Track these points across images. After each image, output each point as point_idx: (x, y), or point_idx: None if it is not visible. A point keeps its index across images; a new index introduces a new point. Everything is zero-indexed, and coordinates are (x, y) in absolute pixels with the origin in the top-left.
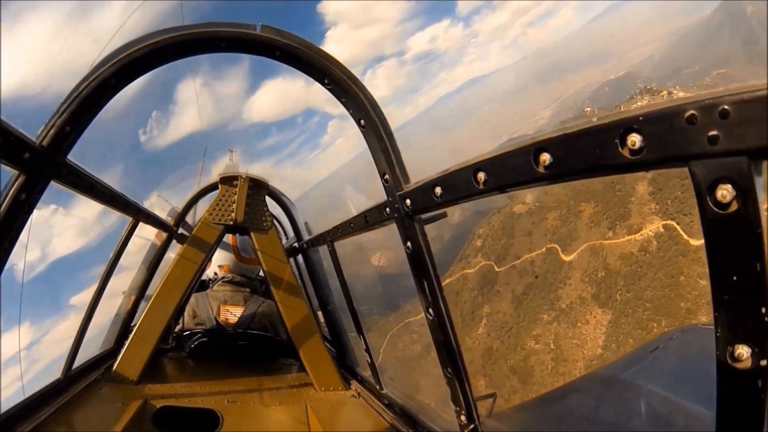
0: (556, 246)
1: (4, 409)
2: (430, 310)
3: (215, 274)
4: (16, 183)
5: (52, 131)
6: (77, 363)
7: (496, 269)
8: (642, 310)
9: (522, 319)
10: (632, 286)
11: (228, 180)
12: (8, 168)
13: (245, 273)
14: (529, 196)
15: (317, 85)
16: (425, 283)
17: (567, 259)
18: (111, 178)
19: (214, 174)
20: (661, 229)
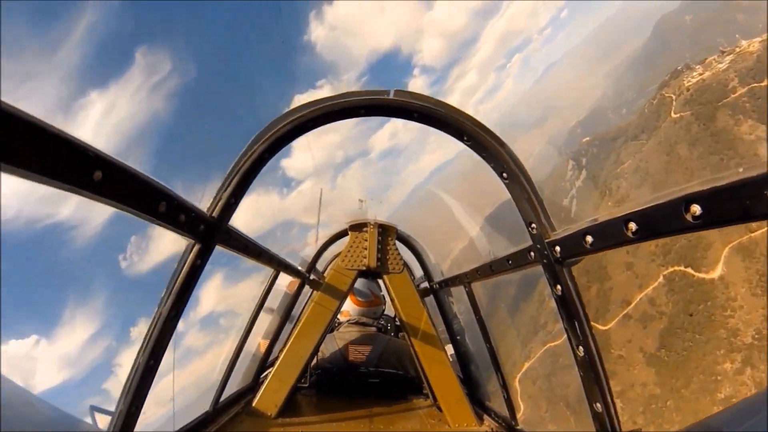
0: (681, 268)
1: None
2: (581, 348)
3: (338, 318)
4: (194, 251)
5: (219, 203)
6: (222, 397)
7: (602, 328)
8: None
9: (684, 383)
10: None
11: (357, 227)
12: (183, 236)
13: (366, 315)
14: None
15: (292, 196)
16: (576, 323)
17: (710, 276)
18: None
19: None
20: None
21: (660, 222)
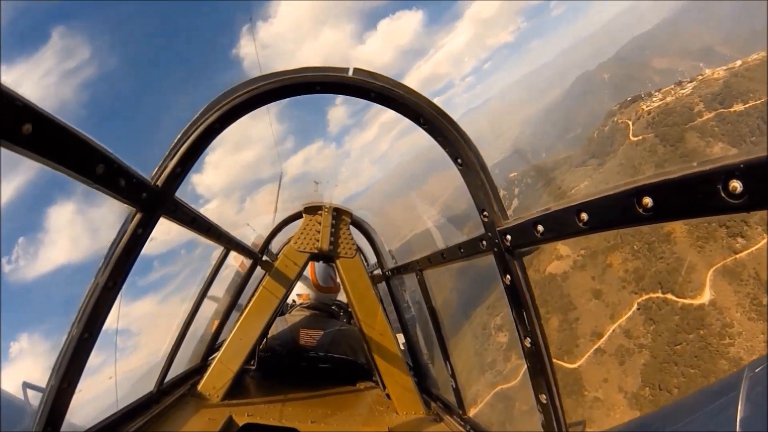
0: (659, 294)
1: (102, 418)
2: (528, 339)
3: (294, 300)
4: (135, 219)
5: (164, 172)
6: (168, 378)
7: (568, 366)
8: None
9: None
10: None
11: (312, 210)
12: (126, 205)
13: (323, 300)
14: (561, 246)
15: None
16: (524, 313)
17: (698, 302)
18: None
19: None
20: None
21: (612, 213)
